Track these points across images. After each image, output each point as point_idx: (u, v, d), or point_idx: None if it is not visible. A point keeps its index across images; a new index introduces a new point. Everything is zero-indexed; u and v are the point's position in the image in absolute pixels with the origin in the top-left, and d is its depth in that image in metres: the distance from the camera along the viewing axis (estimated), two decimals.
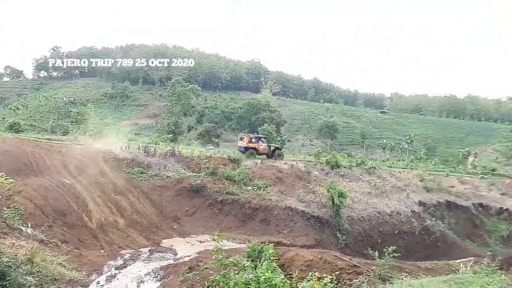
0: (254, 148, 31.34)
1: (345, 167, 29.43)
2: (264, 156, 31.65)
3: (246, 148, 31.35)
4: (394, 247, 10.41)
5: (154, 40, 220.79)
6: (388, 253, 9.93)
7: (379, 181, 25.74)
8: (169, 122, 57.87)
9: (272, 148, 32.47)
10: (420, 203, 23.84)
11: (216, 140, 56.09)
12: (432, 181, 27.10)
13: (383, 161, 43.12)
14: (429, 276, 12.41)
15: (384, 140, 76.86)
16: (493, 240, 23.41)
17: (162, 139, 37.35)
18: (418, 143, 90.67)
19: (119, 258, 13.22)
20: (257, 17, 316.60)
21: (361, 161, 31.43)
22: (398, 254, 10.78)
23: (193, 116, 77.18)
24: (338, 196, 20.37)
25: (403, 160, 48.31)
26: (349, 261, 11.42)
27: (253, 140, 32.50)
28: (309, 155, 40.96)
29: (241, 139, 33.56)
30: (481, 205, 25.13)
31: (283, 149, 38.80)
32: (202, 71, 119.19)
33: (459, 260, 19.32)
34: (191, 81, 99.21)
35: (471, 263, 17.60)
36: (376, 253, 10.31)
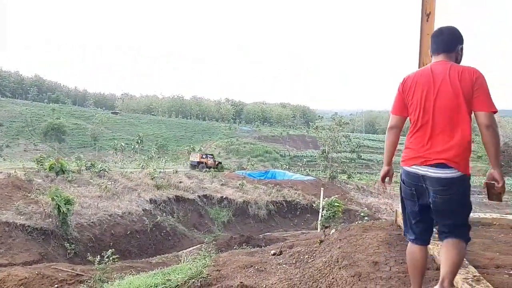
0: (205, 163, 41.25)
1: (73, 172, 27.45)
2: None
3: (199, 163, 41.10)
4: (113, 250, 10.12)
5: None
6: (107, 257, 9.62)
7: (110, 183, 25.00)
8: None
9: (216, 163, 42.89)
10: (151, 201, 24.32)
11: None
12: (162, 179, 28.13)
13: (115, 162, 42.57)
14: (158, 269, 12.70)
15: (115, 141, 75.82)
16: (216, 226, 25.99)
17: None
18: (151, 143, 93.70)
19: None
20: None
21: (91, 164, 29.97)
22: (118, 256, 10.56)
23: None
24: (65, 204, 18.68)
25: (136, 160, 48.79)
26: (71, 271, 10.49)
27: (203, 156, 43.44)
28: (33, 161, 36.90)
29: (193, 156, 44.20)
30: (205, 196, 27.51)
31: None
32: None
33: (186, 250, 20.80)
34: None
35: (194, 250, 19.21)
36: (98, 258, 9.82)
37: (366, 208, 33.01)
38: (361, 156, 47.32)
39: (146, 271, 13.67)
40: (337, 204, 6.93)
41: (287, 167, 54.53)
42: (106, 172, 28.05)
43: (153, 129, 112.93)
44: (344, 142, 40.47)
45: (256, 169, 43.40)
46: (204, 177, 31.71)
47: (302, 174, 42.41)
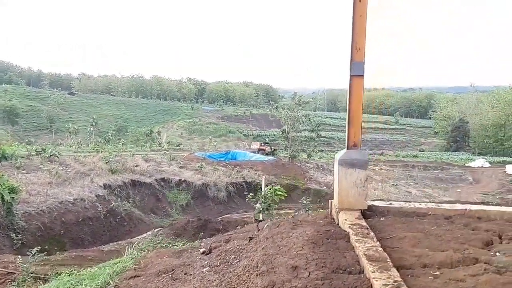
0: (264, 150, 44.56)
1: (22, 157, 26.21)
2: None
3: (259, 150, 44.22)
4: (39, 247, 9.61)
5: None
6: (34, 254, 9.08)
7: (61, 168, 23.99)
8: None
9: (272, 149, 45.64)
10: (106, 186, 23.58)
11: None
12: (118, 162, 27.28)
13: (70, 146, 40.99)
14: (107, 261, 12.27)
15: (71, 124, 73.09)
16: (175, 210, 25.57)
17: None
18: (110, 124, 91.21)
19: None
20: None
21: (42, 148, 28.67)
22: (45, 252, 10.09)
23: None
24: (9, 192, 17.78)
25: (91, 144, 47.16)
26: (1, 269, 9.90)
27: (262, 144, 47.18)
28: None
29: (254, 144, 48.54)
30: (163, 179, 26.94)
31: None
32: None
33: (141, 236, 20.34)
34: None
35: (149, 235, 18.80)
36: (32, 252, 9.28)
37: (325, 187, 33.44)
38: (320, 135, 47.61)
39: (97, 261, 13.25)
40: (279, 193, 6.68)
41: (246, 147, 54.57)
42: (57, 157, 26.90)
43: (112, 110, 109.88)
44: (304, 121, 40.48)
45: (218, 150, 42.97)
46: (162, 159, 31.03)
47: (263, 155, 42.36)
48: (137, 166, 27.34)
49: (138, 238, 18.77)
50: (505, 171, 57.37)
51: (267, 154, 42.94)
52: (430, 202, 5.55)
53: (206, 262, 4.55)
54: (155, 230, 19.87)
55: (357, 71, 4.72)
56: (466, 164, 64.02)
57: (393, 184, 39.82)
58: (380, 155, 69.75)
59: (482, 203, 6.14)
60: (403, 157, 68.13)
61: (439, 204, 5.21)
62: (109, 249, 16.91)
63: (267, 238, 3.99)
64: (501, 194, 47.15)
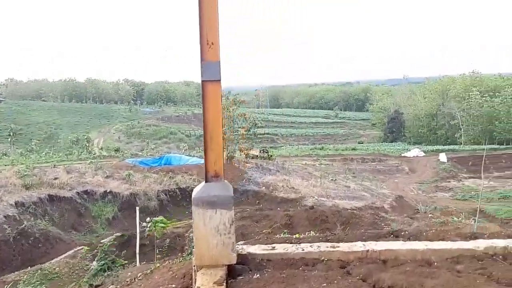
0: (261, 156, 45.69)
1: None
2: None
3: (257, 156, 44.77)
4: None
5: None
6: None
7: None
8: None
9: (269, 155, 47.62)
10: (18, 204, 21.21)
11: None
12: (35, 176, 24.86)
13: None
14: None
15: None
16: (100, 224, 23.58)
17: None
18: (41, 132, 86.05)
19: None
20: None
21: None
22: None
23: None
24: None
25: (12, 155, 43.36)
26: None
27: (261, 151, 48.05)
28: None
29: (253, 151, 46.67)
30: (86, 192, 24.78)
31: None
32: None
33: (58, 258, 18.37)
34: None
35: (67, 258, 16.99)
36: None
37: (264, 187, 32.60)
38: (257, 134, 47.15)
39: None
40: (162, 224, 5.48)
41: (185, 148, 53.24)
42: None
43: (43, 116, 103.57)
44: (240, 120, 39.42)
45: (151, 155, 40.92)
46: (87, 169, 28.78)
47: (201, 156, 40.92)
48: (56, 179, 25.03)
49: (51, 263, 16.84)
50: (439, 159, 59.68)
51: (264, 159, 45.08)
52: (326, 241, 4.50)
53: None
54: (71, 251, 17.97)
55: (211, 75, 3.56)
56: (402, 154, 66.01)
57: (332, 179, 39.75)
58: (320, 149, 70.41)
59: (392, 234, 5.21)
60: (342, 150, 69.09)
61: (335, 246, 4.11)
62: (13, 279, 14.96)
63: None
64: (435, 182, 48.84)
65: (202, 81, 3.60)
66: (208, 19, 3.44)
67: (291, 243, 4.21)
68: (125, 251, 15.81)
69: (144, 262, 13.78)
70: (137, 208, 7.48)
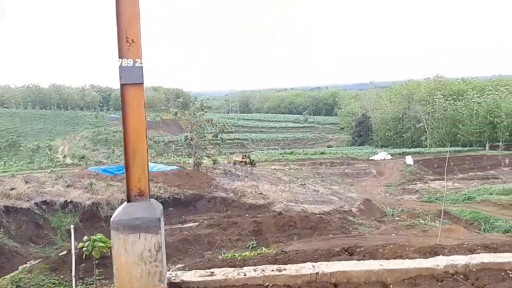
0: (244, 162, 47.81)
1: None
2: None
3: (240, 162, 47.88)
4: None
5: None
6: None
7: None
8: None
9: (251, 160, 49.76)
10: None
11: None
12: None
13: None
14: None
15: None
16: (59, 236, 22.58)
17: None
18: (2, 139, 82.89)
19: None
20: None
21: None
22: None
23: None
24: None
25: None
26: None
27: (244, 157, 50.14)
28: None
29: (237, 156, 52.07)
30: (45, 202, 23.74)
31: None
32: None
33: (13, 273, 17.37)
34: None
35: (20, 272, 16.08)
36: None
37: (232, 194, 32.18)
38: (225, 141, 46.72)
39: None
40: (101, 244, 5.05)
41: (153, 155, 52.43)
42: None
43: (5, 124, 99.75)
44: (208, 126, 38.86)
45: (116, 163, 39.78)
46: (47, 179, 27.64)
47: (168, 163, 40.16)
48: (13, 189, 23.87)
49: (5, 278, 15.90)
50: (405, 162, 60.73)
51: (246, 164, 46.96)
52: (274, 261, 4.12)
53: None
54: (27, 265, 17.00)
55: (132, 77, 3.13)
56: (370, 158, 66.85)
57: (301, 184, 39.73)
58: (290, 154, 70.48)
59: (346, 251, 4.92)
60: (311, 154, 69.40)
61: (282, 268, 3.71)
62: None
63: None
64: (402, 185, 49.57)
65: (121, 84, 3.15)
66: (127, 15, 3.04)
67: (234, 266, 3.84)
68: (62, 274, 15.10)
69: (81, 286, 13.02)
70: (72, 226, 6.96)
